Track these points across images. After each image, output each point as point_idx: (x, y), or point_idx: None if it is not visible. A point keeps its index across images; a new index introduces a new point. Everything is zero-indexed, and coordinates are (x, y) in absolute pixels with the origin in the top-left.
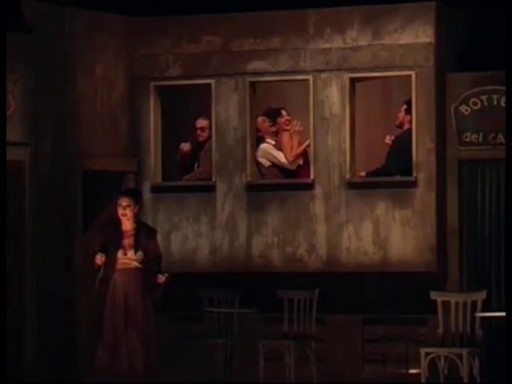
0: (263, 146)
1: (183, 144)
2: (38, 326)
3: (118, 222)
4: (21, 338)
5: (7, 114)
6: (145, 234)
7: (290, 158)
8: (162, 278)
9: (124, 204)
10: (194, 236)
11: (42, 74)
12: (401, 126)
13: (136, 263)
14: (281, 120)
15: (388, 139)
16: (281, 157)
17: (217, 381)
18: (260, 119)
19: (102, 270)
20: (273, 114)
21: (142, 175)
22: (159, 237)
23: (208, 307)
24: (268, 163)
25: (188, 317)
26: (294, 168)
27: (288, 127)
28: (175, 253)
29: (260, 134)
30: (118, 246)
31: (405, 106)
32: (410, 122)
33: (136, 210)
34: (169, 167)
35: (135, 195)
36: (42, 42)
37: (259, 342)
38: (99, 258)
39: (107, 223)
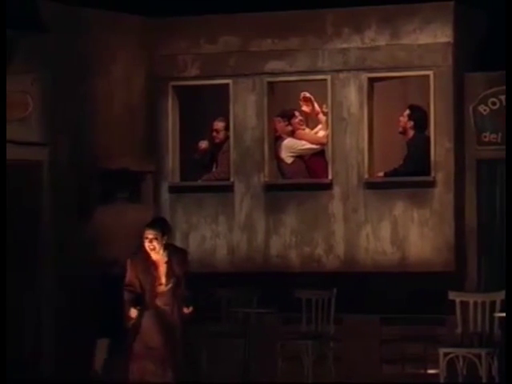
0: (286, 141)
1: (201, 142)
2: (55, 326)
3: (147, 254)
4: (38, 337)
5: (25, 114)
6: (177, 260)
7: (323, 140)
8: (187, 310)
9: (150, 237)
10: (211, 236)
11: (60, 74)
12: (404, 132)
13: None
14: (295, 121)
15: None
16: (305, 144)
17: (235, 381)
18: (276, 120)
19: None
20: (287, 115)
21: (161, 175)
22: (177, 237)
23: (226, 307)
24: (291, 159)
25: (206, 317)
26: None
27: (302, 127)
28: (193, 253)
29: (277, 134)
30: (153, 277)
31: (408, 111)
32: (414, 128)
33: (164, 241)
34: (187, 167)
35: (162, 225)
36: (59, 42)
37: (277, 341)
38: (133, 313)
39: (136, 257)
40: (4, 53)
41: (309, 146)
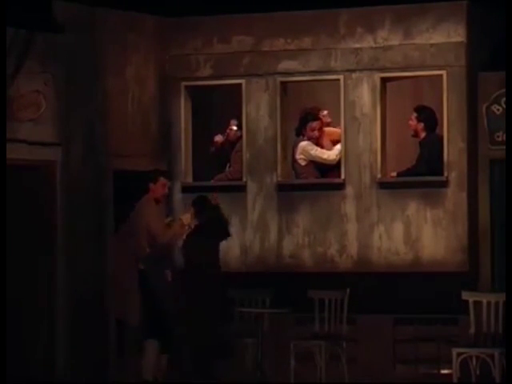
0: (303, 143)
1: (217, 136)
2: (69, 326)
3: None
4: (52, 339)
5: (38, 114)
6: None
7: (339, 157)
8: None
9: None
10: None
11: (73, 74)
12: (416, 134)
13: None
14: (312, 124)
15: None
16: (322, 153)
17: (248, 381)
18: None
19: None
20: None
21: (173, 175)
22: None
23: (239, 307)
24: (305, 161)
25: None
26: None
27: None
28: None
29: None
30: None
31: (415, 114)
32: (425, 129)
33: None
34: (199, 167)
35: None
36: (73, 42)
37: (290, 342)
38: None
39: None
40: (4, 53)
41: (320, 155)
